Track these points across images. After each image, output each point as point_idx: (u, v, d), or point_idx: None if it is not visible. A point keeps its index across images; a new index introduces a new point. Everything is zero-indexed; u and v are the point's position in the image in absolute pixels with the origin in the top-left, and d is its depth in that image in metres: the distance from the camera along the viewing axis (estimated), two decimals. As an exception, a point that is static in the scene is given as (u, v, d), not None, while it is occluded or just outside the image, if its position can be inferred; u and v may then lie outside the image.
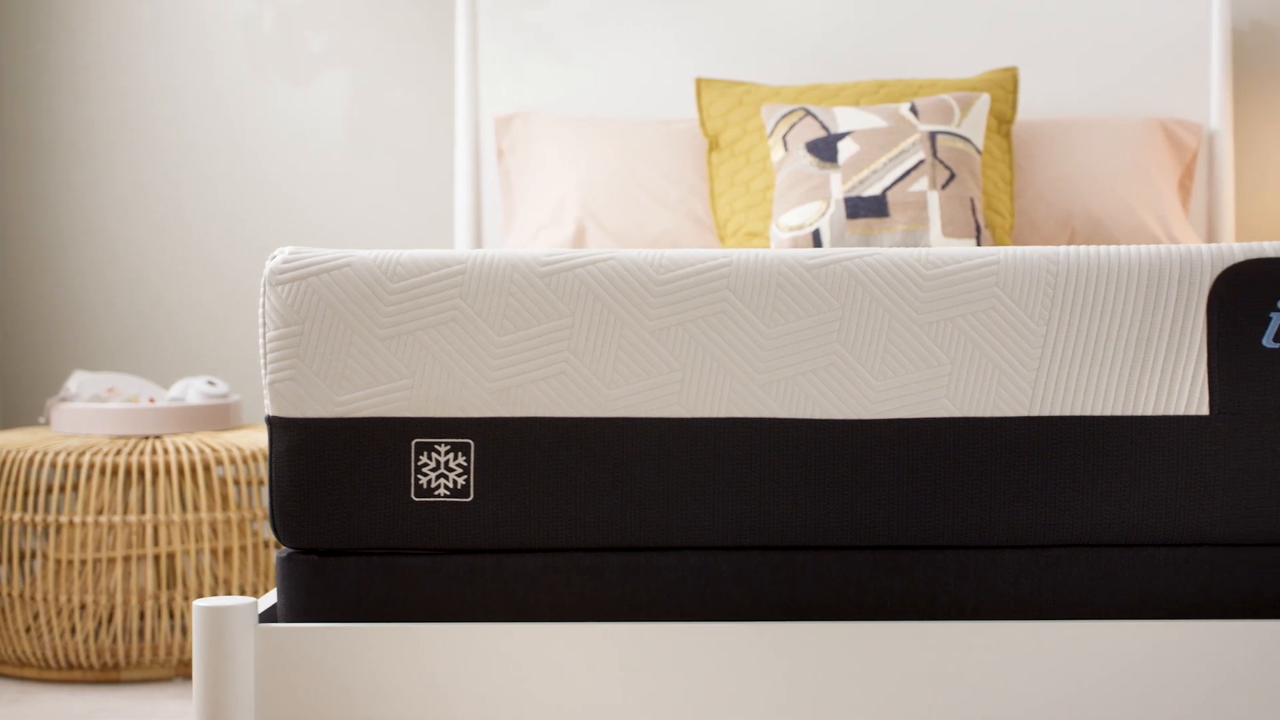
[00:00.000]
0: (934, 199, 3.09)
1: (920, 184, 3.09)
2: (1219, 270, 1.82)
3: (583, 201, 3.42)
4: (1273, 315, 1.81)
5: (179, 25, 3.79)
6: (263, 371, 1.84)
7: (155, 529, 3.10)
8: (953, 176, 3.11)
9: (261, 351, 1.84)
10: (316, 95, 3.80)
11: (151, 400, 3.32)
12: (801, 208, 3.12)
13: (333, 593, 1.83)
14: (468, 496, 1.81)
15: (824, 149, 3.16)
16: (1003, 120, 3.39)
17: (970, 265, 1.82)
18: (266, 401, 1.84)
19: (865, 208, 3.09)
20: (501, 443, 1.81)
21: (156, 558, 3.13)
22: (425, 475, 1.81)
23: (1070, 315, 1.81)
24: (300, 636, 1.80)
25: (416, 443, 1.81)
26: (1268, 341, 1.81)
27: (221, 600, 1.80)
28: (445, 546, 1.83)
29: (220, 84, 3.79)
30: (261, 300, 1.84)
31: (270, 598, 1.95)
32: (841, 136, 3.17)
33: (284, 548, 1.86)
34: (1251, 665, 1.80)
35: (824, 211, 3.09)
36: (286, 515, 1.83)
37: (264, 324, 1.84)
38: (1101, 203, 3.40)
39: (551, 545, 1.82)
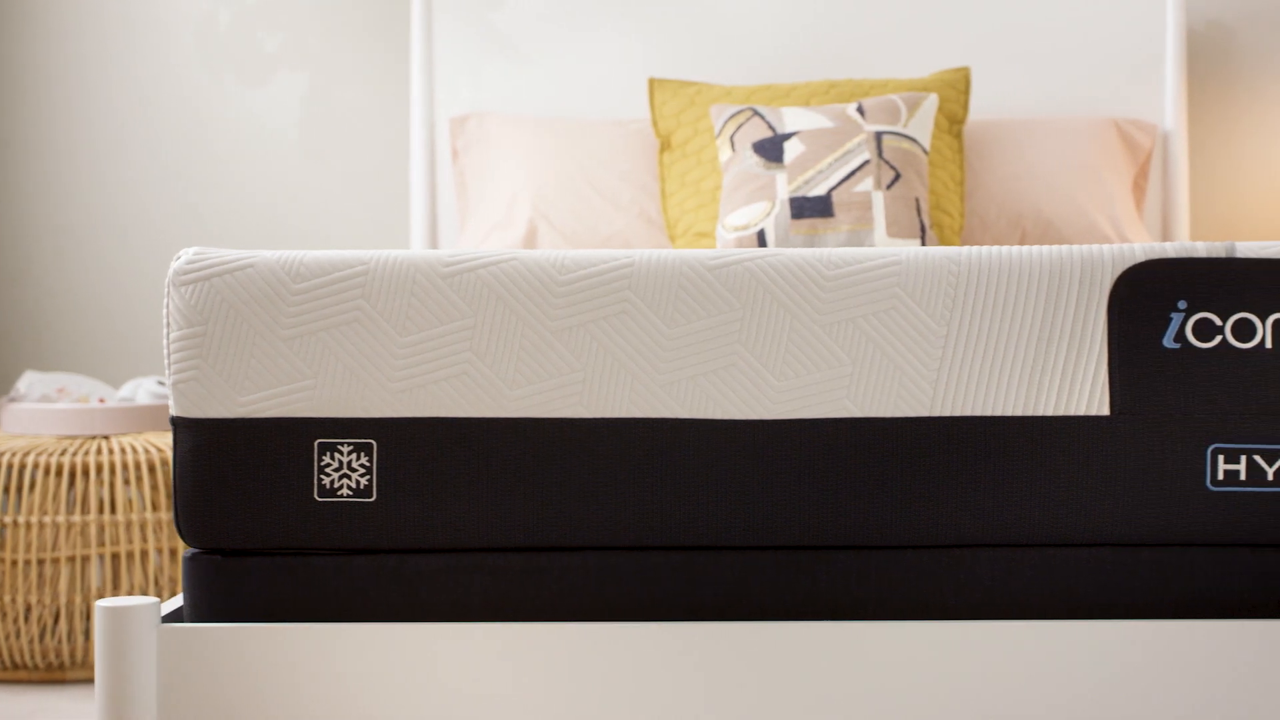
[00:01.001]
0: (879, 199, 3.09)
1: (865, 184, 3.10)
2: (1120, 271, 1.82)
3: (534, 202, 3.42)
4: (1173, 315, 1.81)
5: (135, 26, 3.79)
6: (167, 372, 1.84)
7: (103, 529, 3.10)
8: (898, 177, 3.11)
9: (165, 352, 1.84)
10: (272, 96, 3.80)
11: (101, 400, 3.32)
12: (747, 208, 3.12)
13: (237, 593, 1.83)
14: (370, 497, 1.82)
15: (770, 149, 3.17)
16: (954, 120, 3.40)
17: (872, 266, 1.83)
18: (170, 402, 1.84)
19: (810, 208, 3.10)
20: (404, 443, 1.81)
21: (103, 557, 3.14)
22: (328, 475, 1.82)
23: (971, 316, 1.81)
24: (202, 636, 1.81)
25: (319, 443, 1.82)
26: (1168, 342, 1.81)
27: (123, 600, 1.81)
28: (348, 546, 1.83)
29: (176, 84, 3.79)
30: (165, 301, 1.84)
31: (179, 599, 1.96)
32: (788, 137, 3.17)
33: (189, 548, 1.87)
34: (1151, 665, 1.80)
35: (769, 212, 3.10)
36: (190, 515, 1.83)
37: (168, 324, 1.84)
38: (1053, 203, 3.40)
39: (454, 545, 1.83)
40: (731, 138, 3.23)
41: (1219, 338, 1.81)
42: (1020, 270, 1.82)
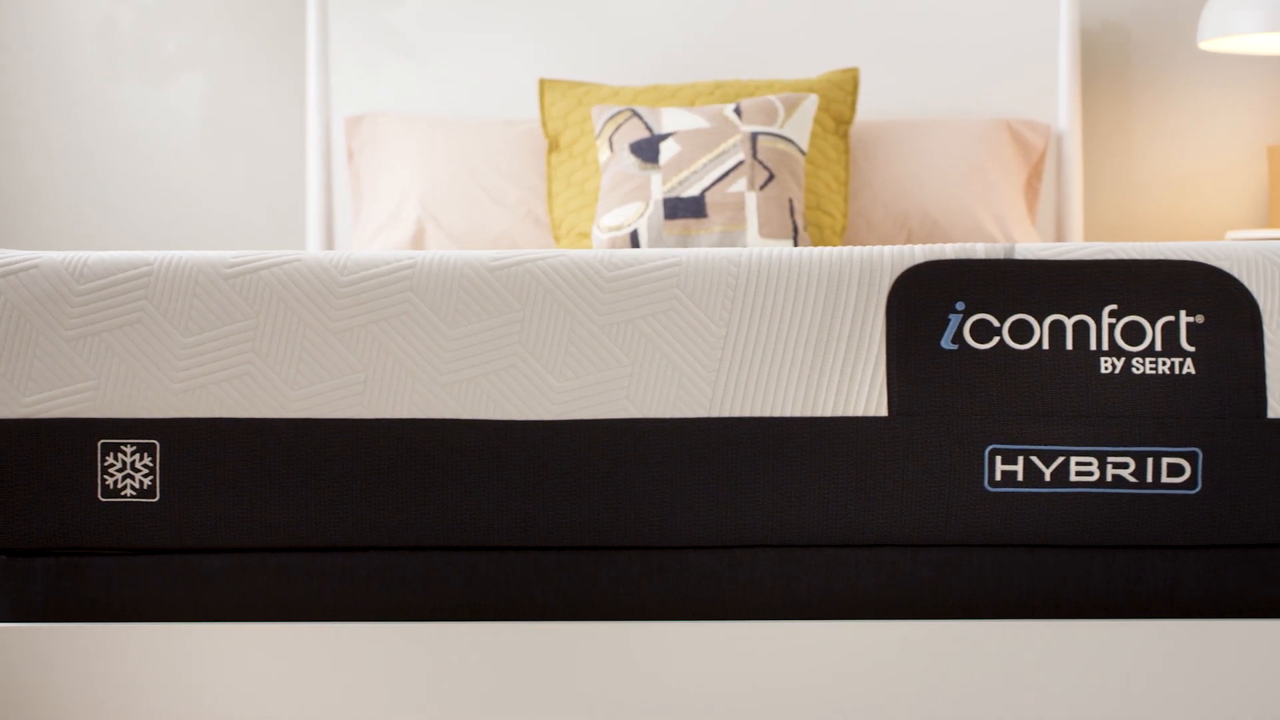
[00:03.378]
0: (752, 200, 3.09)
1: (739, 185, 3.10)
2: (898, 272, 1.82)
3: (422, 202, 3.43)
4: (951, 317, 1.82)
5: (36, 27, 3.80)
6: (-47, 372, 1.85)
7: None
8: (771, 177, 3.12)
9: (-49, 353, 1.85)
10: (173, 97, 3.81)
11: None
12: (621, 209, 3.13)
13: (23, 593, 1.84)
14: (154, 497, 1.82)
15: (647, 150, 3.17)
16: (841, 121, 3.40)
17: (651, 267, 1.83)
18: (-43, 402, 1.85)
19: (684, 208, 3.10)
20: (187, 443, 1.82)
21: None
22: (112, 476, 1.82)
23: (750, 317, 1.82)
24: (-16, 636, 1.81)
25: (103, 443, 1.82)
26: (946, 343, 1.81)
27: (-95, 600, 1.82)
28: (133, 546, 1.84)
29: (77, 85, 3.80)
30: (-49, 302, 1.85)
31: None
32: (664, 138, 3.18)
33: (-23, 548, 1.87)
34: (930, 665, 1.81)
35: (643, 212, 3.10)
36: (-24, 515, 1.84)
37: (-47, 325, 1.85)
38: (939, 204, 3.40)
39: (238, 545, 1.83)
40: (610, 138, 3.24)
41: (996, 339, 1.81)
42: (799, 272, 1.83)
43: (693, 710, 1.81)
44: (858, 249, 1.84)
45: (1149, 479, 1.80)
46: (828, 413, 1.81)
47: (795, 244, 3.09)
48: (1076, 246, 1.83)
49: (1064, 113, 3.63)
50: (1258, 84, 3.71)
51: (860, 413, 1.81)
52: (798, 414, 1.81)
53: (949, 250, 1.83)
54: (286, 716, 1.82)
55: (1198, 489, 1.80)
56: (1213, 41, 3.44)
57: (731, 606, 1.83)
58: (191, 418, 1.82)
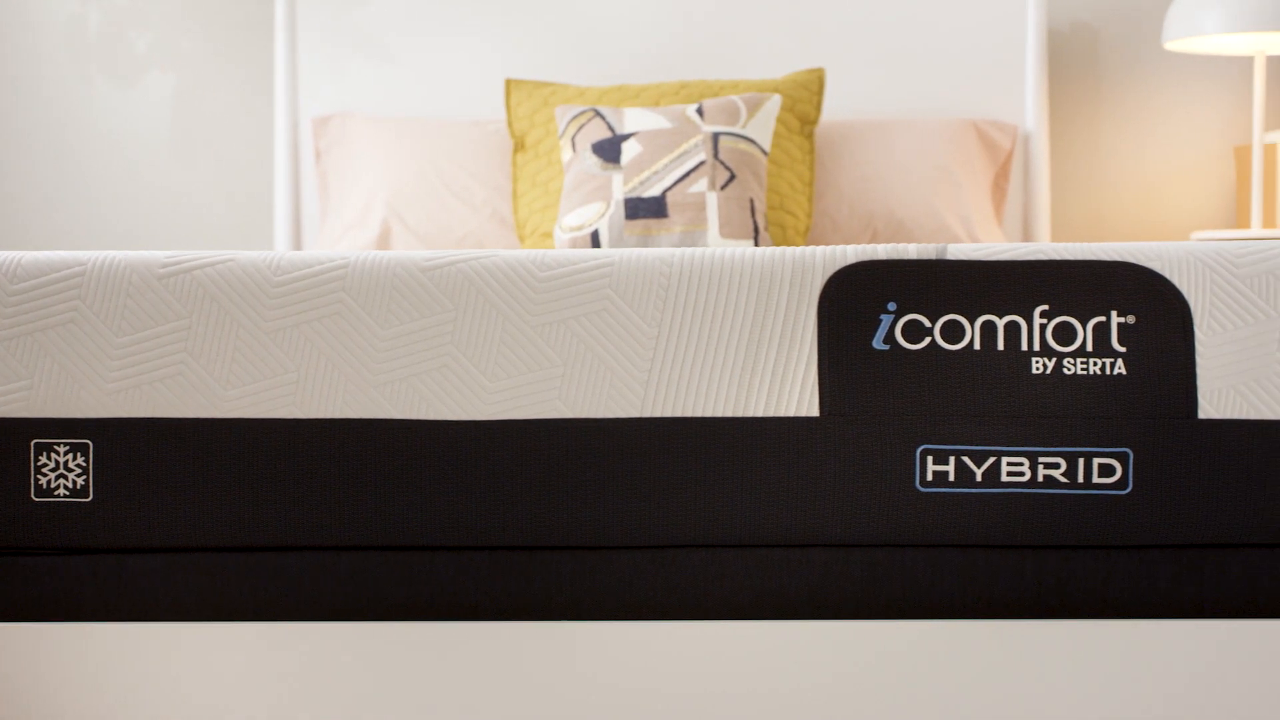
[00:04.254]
0: (713, 200, 3.09)
1: (700, 185, 3.10)
2: (830, 273, 1.82)
3: (389, 202, 3.43)
4: (883, 317, 1.82)
5: (3, 26, 3.80)
6: (-113, 372, 1.85)
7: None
8: (733, 177, 3.12)
9: (-114, 352, 1.85)
10: (142, 96, 3.81)
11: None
12: (583, 209, 3.13)
13: (-43, 592, 1.84)
14: (87, 497, 1.83)
15: (609, 150, 3.17)
16: (806, 121, 3.40)
17: (583, 268, 1.83)
18: (-109, 402, 1.85)
19: (644, 209, 3.10)
20: (120, 443, 1.82)
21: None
22: (45, 476, 1.83)
23: (682, 317, 1.82)
24: (-83, 635, 1.81)
25: (35, 443, 1.83)
26: (877, 343, 1.81)
27: None
28: (66, 546, 1.84)
29: (45, 85, 3.80)
30: (-114, 302, 1.85)
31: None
32: (626, 138, 3.18)
33: (-88, 547, 1.87)
34: (860, 665, 1.81)
35: (604, 213, 3.10)
36: (-90, 515, 1.84)
37: (-112, 325, 1.85)
38: (905, 204, 3.40)
39: (171, 545, 1.83)
40: (574, 139, 3.24)
41: (928, 339, 1.81)
42: (731, 272, 1.83)
43: (623, 710, 1.81)
44: (790, 249, 1.84)
45: (1080, 479, 1.80)
46: (759, 413, 1.81)
47: (756, 244, 3.09)
48: (1009, 247, 1.84)
49: (1031, 113, 3.63)
50: (1225, 84, 3.71)
51: (792, 413, 1.81)
52: (729, 414, 1.81)
53: (881, 251, 1.84)
54: (219, 716, 1.82)
55: (1129, 489, 1.80)
56: (1177, 42, 3.44)
57: (663, 606, 1.84)
58: (125, 418, 1.82)
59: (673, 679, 1.82)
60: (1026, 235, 3.66)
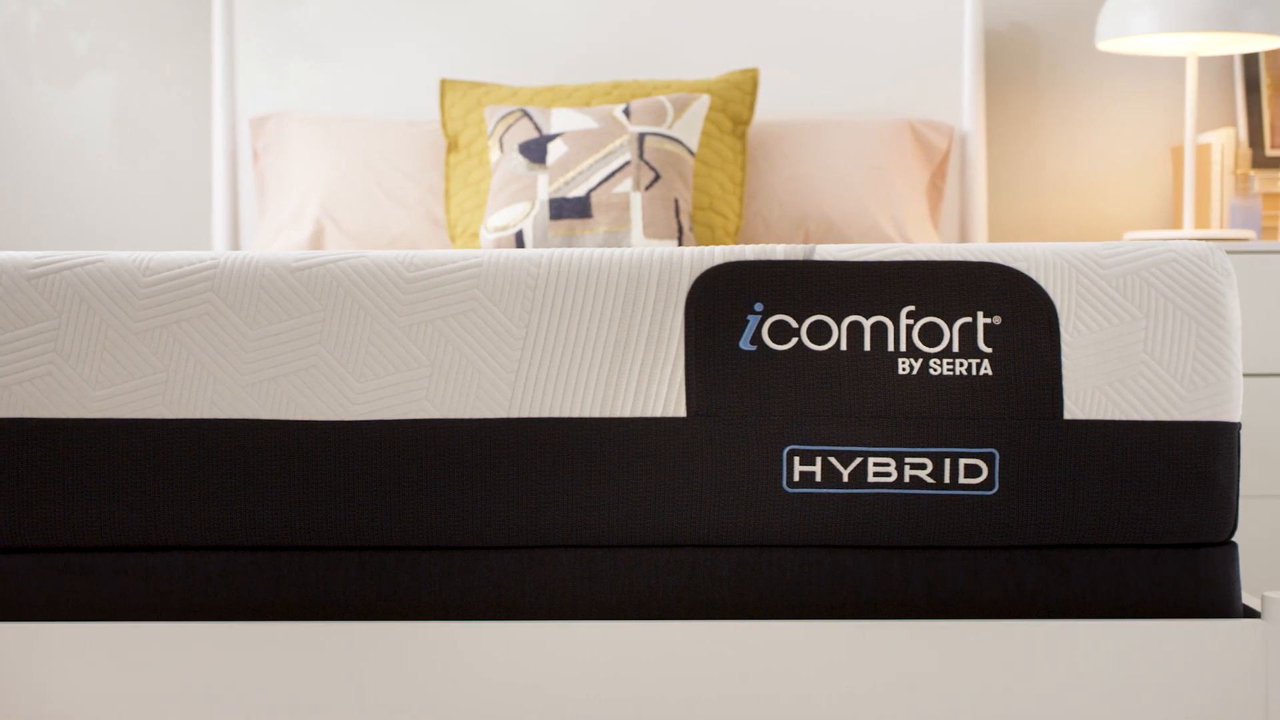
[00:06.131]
0: (637, 200, 3.10)
1: (624, 185, 3.11)
2: (698, 273, 1.83)
3: (322, 202, 3.44)
4: (750, 318, 1.82)
5: (-56, 27, 3.81)
6: None
7: None
8: (658, 178, 3.12)
9: None
10: (82, 97, 3.82)
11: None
12: (508, 209, 3.13)
13: None
14: (-43, 496, 1.83)
15: (535, 150, 3.18)
16: (738, 121, 3.40)
17: (452, 268, 1.84)
18: None
19: (569, 209, 3.11)
20: (-10, 443, 1.83)
21: None
22: (-85, 475, 1.83)
23: (550, 318, 1.82)
24: None
25: (-95, 443, 1.83)
26: (744, 344, 1.82)
27: None
28: (-63, 546, 1.84)
29: (-15, 85, 3.81)
30: None
31: None
32: (553, 138, 3.18)
33: None
34: (729, 666, 1.81)
35: (528, 213, 3.11)
36: None
37: None
38: (837, 204, 3.40)
39: (41, 545, 1.84)
40: (501, 139, 3.25)
41: (795, 340, 1.82)
42: (598, 273, 1.83)
43: (491, 710, 1.82)
44: (658, 249, 1.85)
45: (946, 480, 1.81)
46: (626, 413, 1.82)
47: (680, 244, 3.09)
48: (876, 248, 1.84)
49: (968, 113, 3.63)
50: (1161, 85, 3.72)
51: (659, 413, 1.82)
52: (596, 414, 1.82)
53: (748, 251, 1.84)
54: (88, 717, 1.82)
55: (995, 490, 1.81)
56: (1109, 42, 3.44)
57: (531, 607, 1.84)
58: (-6, 418, 1.83)
59: (543, 679, 1.82)
60: (963, 236, 3.66)
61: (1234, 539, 1.88)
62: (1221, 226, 3.49)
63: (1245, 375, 3.10)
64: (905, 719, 1.81)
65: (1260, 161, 3.60)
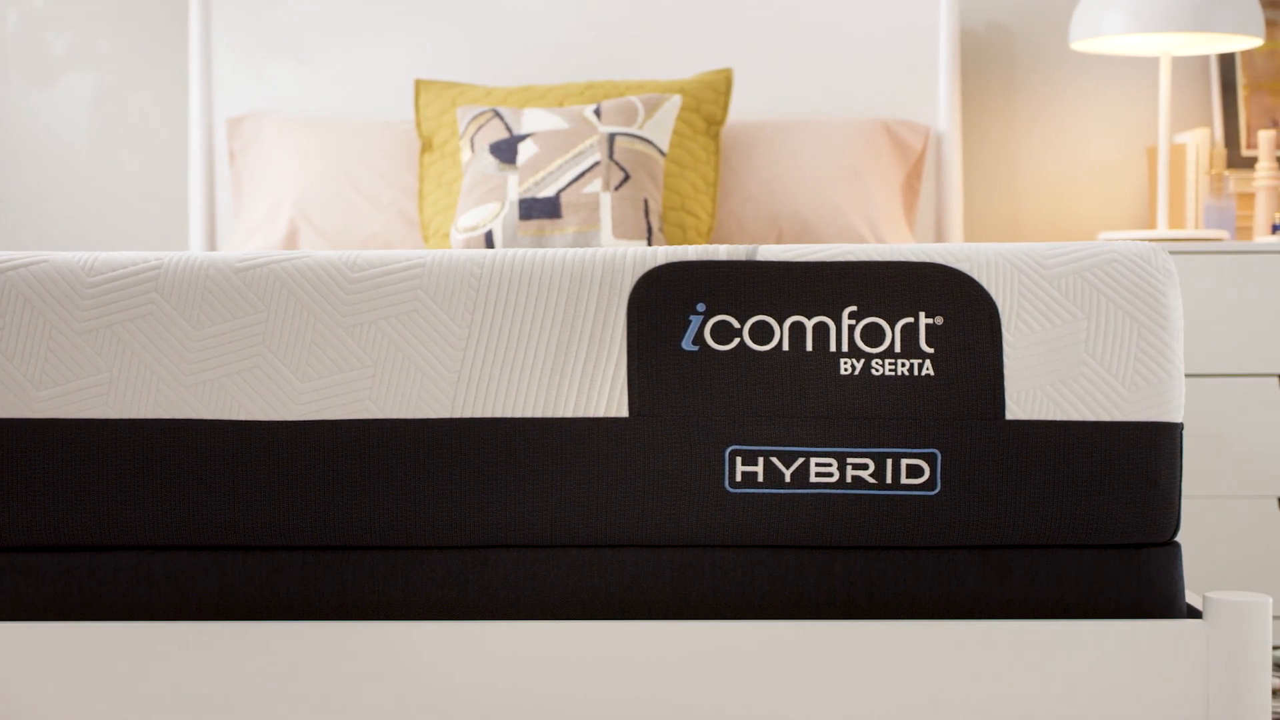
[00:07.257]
0: (606, 200, 3.10)
1: (594, 185, 3.11)
2: (640, 274, 1.83)
3: (296, 202, 3.44)
4: (692, 318, 1.82)
5: (-78, 27, 3.82)
6: None
7: None
8: (627, 178, 3.12)
9: None
10: (61, 97, 3.82)
11: None
12: (478, 209, 3.14)
13: None
14: (-98, 496, 1.83)
15: (505, 151, 3.18)
16: (712, 122, 3.40)
17: (394, 269, 1.84)
18: None
19: (538, 209, 3.11)
20: (-66, 443, 1.83)
21: None
22: None
23: (493, 318, 1.83)
24: None
25: None
26: (686, 344, 1.82)
27: None
28: (-118, 546, 1.85)
29: (-37, 86, 3.81)
30: None
31: None
32: (523, 138, 3.19)
33: None
34: (670, 666, 1.81)
35: (498, 213, 3.11)
36: None
37: None
38: (811, 204, 3.40)
39: (-14, 544, 1.84)
40: (472, 139, 3.25)
41: (737, 340, 1.82)
42: (541, 273, 1.83)
43: (434, 709, 1.82)
44: (601, 250, 1.85)
45: (888, 480, 1.81)
46: (569, 413, 1.82)
47: (650, 244, 3.10)
48: (818, 249, 1.84)
49: (944, 113, 3.63)
50: (1136, 86, 3.71)
51: (601, 414, 1.82)
52: (539, 415, 1.82)
53: (691, 252, 1.84)
54: (28, 715, 1.83)
55: (937, 490, 1.81)
56: (1083, 42, 3.44)
57: (474, 606, 1.84)
58: (-61, 418, 1.83)
59: (486, 679, 1.82)
60: (939, 236, 3.66)
61: (1176, 539, 1.88)
62: (1196, 227, 3.48)
63: (1221, 377, 3.10)
64: (847, 719, 1.81)
65: (1235, 162, 3.59)
